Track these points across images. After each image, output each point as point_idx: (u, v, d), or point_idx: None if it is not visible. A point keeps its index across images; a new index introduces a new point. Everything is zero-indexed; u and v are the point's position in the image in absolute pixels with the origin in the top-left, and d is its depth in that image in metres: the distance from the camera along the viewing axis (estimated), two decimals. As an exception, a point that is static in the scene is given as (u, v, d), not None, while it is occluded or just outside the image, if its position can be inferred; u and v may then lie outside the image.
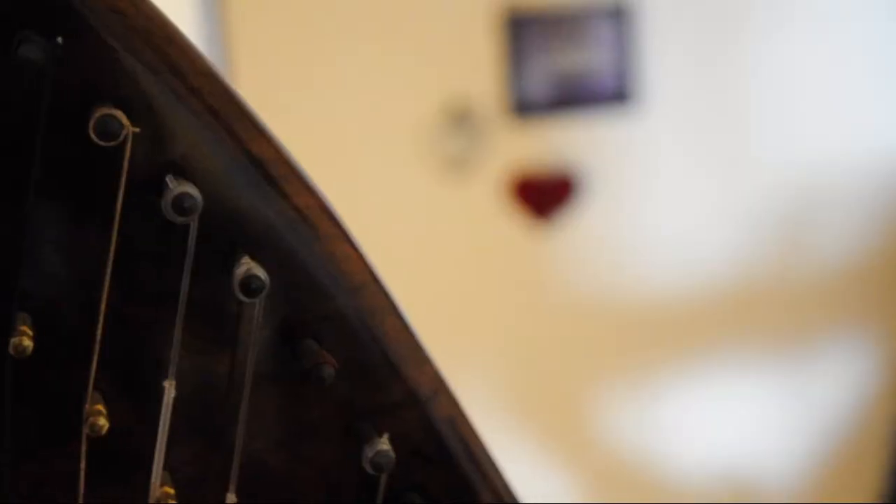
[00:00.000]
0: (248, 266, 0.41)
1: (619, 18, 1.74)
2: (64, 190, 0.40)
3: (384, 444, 0.44)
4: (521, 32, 1.72)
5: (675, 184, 1.78)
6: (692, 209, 1.79)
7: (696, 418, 1.85)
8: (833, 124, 1.80)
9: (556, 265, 1.77)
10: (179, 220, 0.40)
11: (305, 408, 0.45)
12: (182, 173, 0.41)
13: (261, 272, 0.41)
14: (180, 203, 0.40)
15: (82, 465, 0.41)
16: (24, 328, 0.39)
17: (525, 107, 1.74)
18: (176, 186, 0.40)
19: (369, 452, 0.44)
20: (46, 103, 0.39)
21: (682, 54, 1.76)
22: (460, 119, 1.71)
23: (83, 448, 0.41)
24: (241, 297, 0.41)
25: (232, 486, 0.43)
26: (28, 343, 0.39)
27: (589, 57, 1.74)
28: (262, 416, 0.44)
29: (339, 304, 0.45)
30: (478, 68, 1.71)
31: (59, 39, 0.38)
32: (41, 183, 0.40)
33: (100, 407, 0.41)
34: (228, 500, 0.43)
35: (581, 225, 1.76)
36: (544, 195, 1.74)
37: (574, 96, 1.75)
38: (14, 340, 0.39)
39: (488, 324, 1.77)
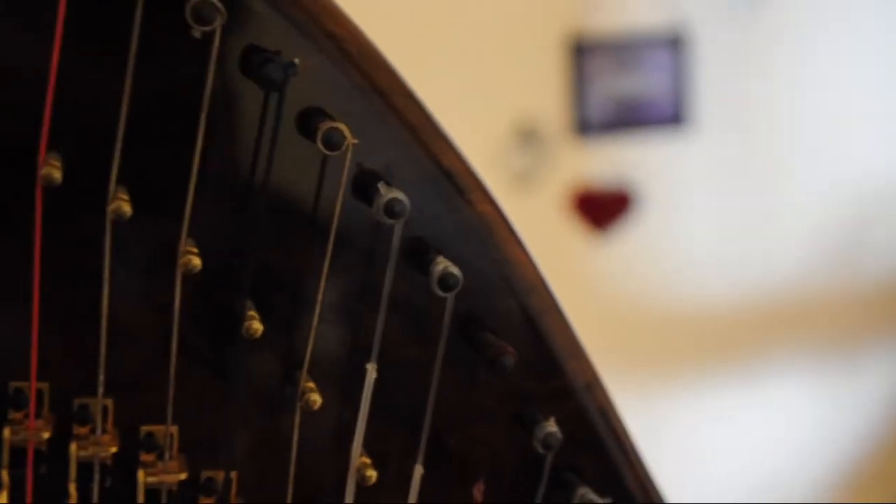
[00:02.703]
0: (444, 265, 0.42)
1: (676, 47, 1.75)
2: (287, 193, 0.42)
3: (552, 426, 0.46)
4: (585, 59, 1.73)
5: (724, 200, 1.79)
6: (740, 224, 1.79)
7: (736, 423, 1.85)
8: (878, 144, 1.80)
9: (613, 273, 1.78)
10: (389, 222, 0.41)
11: (480, 394, 0.46)
12: (385, 181, 0.42)
13: (456, 270, 0.42)
14: (391, 207, 0.41)
15: (295, 436, 0.43)
16: (252, 313, 0.41)
17: (587, 127, 1.75)
18: (387, 192, 0.41)
19: (540, 433, 0.46)
20: (280, 117, 0.40)
21: (733, 80, 1.77)
22: (527, 137, 1.72)
23: (296, 420, 0.43)
24: (439, 292, 0.42)
25: (420, 459, 0.45)
26: (258, 326, 0.41)
27: (647, 82, 1.75)
28: (442, 400, 0.45)
29: (512, 302, 0.46)
30: (545, 91, 1.73)
31: (296, 60, 0.39)
32: (266, 186, 0.41)
33: (312, 385, 0.43)
34: (416, 472, 0.45)
35: (636, 236, 1.77)
36: (603, 208, 1.75)
37: (632, 118, 1.76)
38: (246, 324, 0.41)
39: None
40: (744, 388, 1.85)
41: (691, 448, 1.85)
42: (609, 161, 1.75)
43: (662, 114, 1.77)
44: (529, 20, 1.71)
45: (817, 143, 1.79)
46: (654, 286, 1.78)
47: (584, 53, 1.74)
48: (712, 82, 1.76)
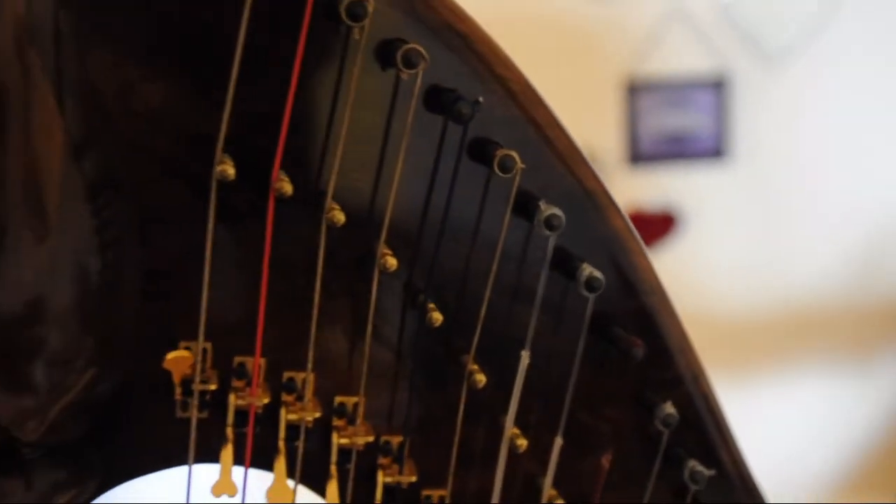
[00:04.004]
0: (590, 270, 0.44)
1: (718, 89, 1.76)
2: (458, 206, 0.44)
3: (671, 408, 0.48)
4: (637, 98, 1.75)
5: (756, 223, 1.79)
6: (769, 244, 1.80)
7: (758, 424, 1.84)
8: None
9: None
10: (547, 234, 0.44)
11: (608, 379, 0.48)
12: (545, 200, 0.44)
13: (600, 275, 0.44)
14: (550, 221, 0.43)
15: (461, 409, 0.45)
16: (432, 306, 0.44)
17: (638, 157, 1.76)
18: (546, 209, 0.43)
19: (660, 414, 0.48)
20: (463, 145, 0.43)
21: (767, 119, 1.78)
22: (587, 165, 1.74)
23: (463, 396, 0.45)
24: (585, 294, 0.44)
25: (559, 433, 0.47)
26: (438, 316, 0.43)
27: (692, 119, 1.77)
28: (577, 383, 0.47)
29: (636, 302, 0.48)
30: (602, 125, 1.75)
31: (480, 99, 0.42)
32: (445, 201, 0.44)
33: (476, 367, 0.45)
34: (556, 444, 0.47)
35: (678, 253, 1.78)
36: (650, 228, 1.77)
37: (678, 151, 1.77)
38: (428, 315, 0.43)
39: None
40: (768, 390, 1.85)
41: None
42: (657, 187, 1.76)
43: (705, 147, 1.78)
44: (590, 64, 1.73)
45: (840, 175, 1.80)
46: (692, 295, 1.79)
47: (637, 93, 1.75)
48: (749, 120, 1.77)
